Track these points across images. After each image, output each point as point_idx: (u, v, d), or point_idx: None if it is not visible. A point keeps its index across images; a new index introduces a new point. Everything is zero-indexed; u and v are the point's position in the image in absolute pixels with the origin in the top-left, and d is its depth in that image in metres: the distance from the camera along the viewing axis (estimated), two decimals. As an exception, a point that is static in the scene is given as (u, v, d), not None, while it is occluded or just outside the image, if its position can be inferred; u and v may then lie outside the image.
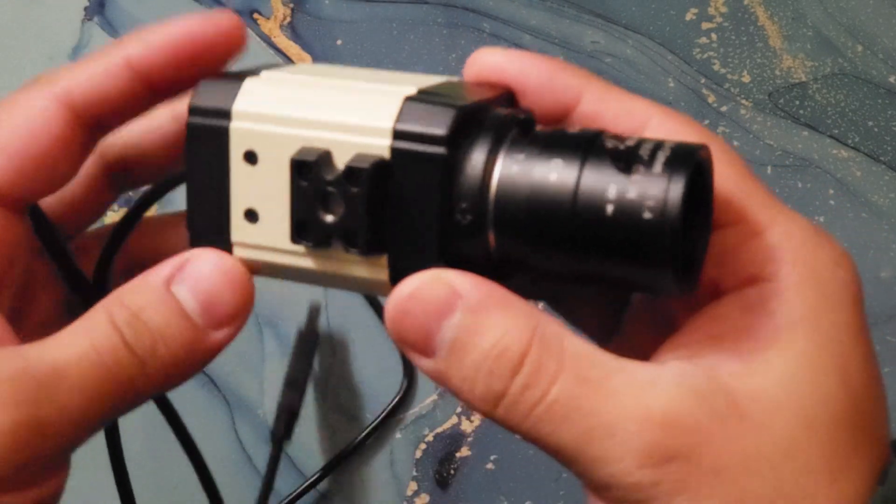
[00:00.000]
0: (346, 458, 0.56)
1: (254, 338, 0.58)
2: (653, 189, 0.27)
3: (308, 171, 0.29)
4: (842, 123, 0.56)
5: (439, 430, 0.56)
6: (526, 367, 0.28)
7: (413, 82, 0.31)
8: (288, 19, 0.60)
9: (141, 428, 0.57)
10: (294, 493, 0.56)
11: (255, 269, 0.31)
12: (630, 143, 0.29)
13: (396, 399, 0.56)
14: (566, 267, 0.29)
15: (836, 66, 0.57)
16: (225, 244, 0.31)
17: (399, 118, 0.29)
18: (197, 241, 0.31)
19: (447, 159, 0.29)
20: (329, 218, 0.29)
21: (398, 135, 0.29)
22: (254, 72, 0.31)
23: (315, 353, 0.57)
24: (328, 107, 0.30)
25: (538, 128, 0.31)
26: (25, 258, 0.33)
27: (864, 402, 0.29)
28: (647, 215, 0.27)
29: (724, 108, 0.57)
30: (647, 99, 0.32)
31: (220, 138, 0.30)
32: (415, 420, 0.56)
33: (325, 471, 0.56)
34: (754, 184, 0.31)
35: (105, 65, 0.32)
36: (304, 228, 0.30)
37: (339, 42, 0.60)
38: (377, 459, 0.56)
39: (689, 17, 0.58)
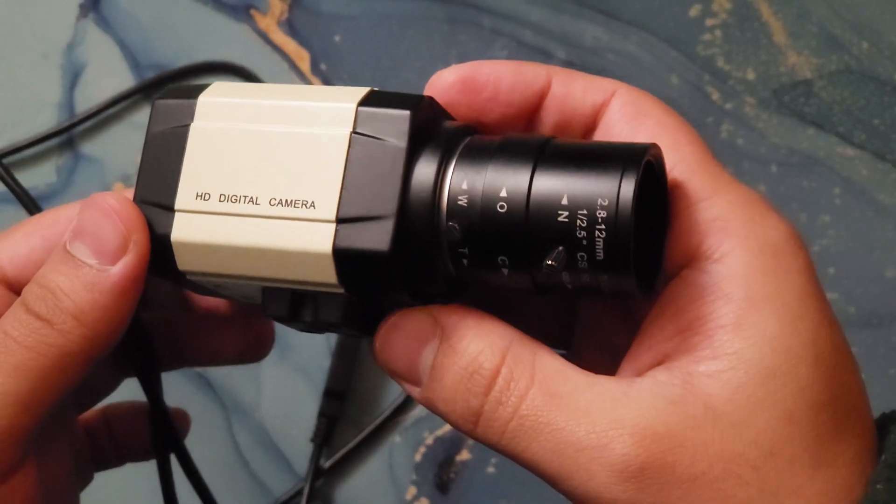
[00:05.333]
0: (344, 461, 0.56)
1: (251, 339, 0.57)
2: (606, 187, 0.28)
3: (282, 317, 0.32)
4: (847, 121, 0.56)
5: (439, 433, 0.56)
6: (498, 384, 0.29)
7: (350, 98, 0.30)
8: (285, 15, 0.60)
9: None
10: (293, 496, 0.56)
11: (191, 254, 0.31)
12: (580, 146, 0.29)
13: (402, 399, 0.56)
14: (523, 282, 0.29)
15: (841, 64, 0.56)
16: (168, 210, 0.31)
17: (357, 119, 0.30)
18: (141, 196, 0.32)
19: (411, 132, 0.29)
20: (308, 317, 0.31)
21: (360, 115, 0.29)
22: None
23: (356, 360, 0.57)
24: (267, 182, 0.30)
25: (485, 137, 0.31)
26: None
27: (840, 379, 0.29)
28: (600, 214, 0.28)
29: (728, 106, 0.57)
30: (609, 78, 0.32)
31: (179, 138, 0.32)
32: (414, 423, 0.56)
33: (324, 473, 0.56)
34: (704, 154, 0.31)
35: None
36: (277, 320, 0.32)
37: (337, 38, 0.59)
38: (376, 463, 0.56)
39: (692, 13, 0.58)
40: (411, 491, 0.55)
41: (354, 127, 0.29)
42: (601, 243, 0.27)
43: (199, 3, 0.61)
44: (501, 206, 0.28)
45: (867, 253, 0.55)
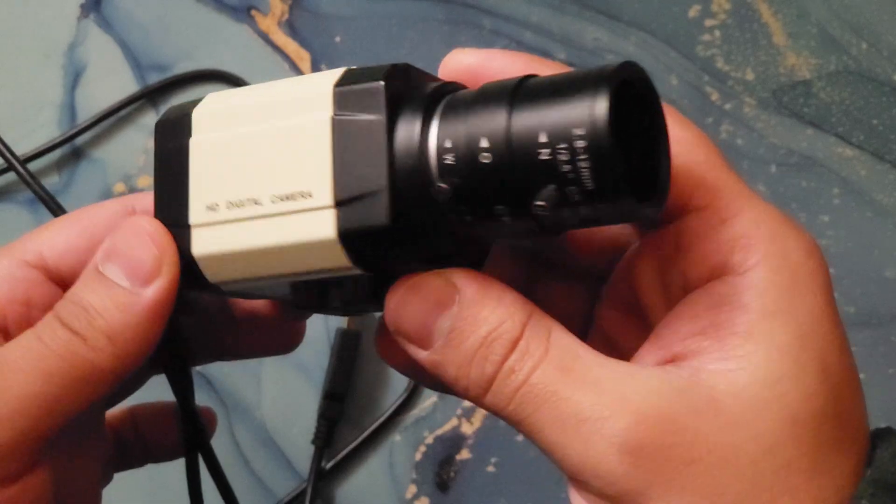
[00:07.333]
0: (345, 461, 0.56)
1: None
2: (579, 114, 0.27)
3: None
4: (846, 122, 0.56)
5: (439, 432, 0.56)
6: (516, 352, 0.29)
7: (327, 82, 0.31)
8: (286, 16, 0.60)
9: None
10: (294, 497, 0.56)
11: (214, 265, 0.32)
12: (553, 79, 0.28)
13: (402, 399, 0.56)
14: (528, 225, 0.29)
15: (840, 64, 0.56)
16: (185, 227, 0.32)
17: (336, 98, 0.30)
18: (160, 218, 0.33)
19: (389, 106, 0.29)
20: (336, 303, 0.32)
21: (338, 97, 0.29)
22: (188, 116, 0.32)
23: (355, 361, 0.57)
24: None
25: (465, 91, 0.30)
26: None
27: (845, 396, 0.29)
28: (578, 144, 0.27)
29: (727, 106, 0.57)
30: None
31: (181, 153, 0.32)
32: (414, 422, 0.56)
33: (325, 473, 0.56)
34: (725, 171, 0.31)
35: None
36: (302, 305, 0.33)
37: (337, 39, 0.59)
38: (376, 462, 0.56)
39: (692, 14, 0.58)
40: (411, 489, 0.55)
41: (334, 110, 0.29)
42: (587, 173, 0.27)
43: (200, 3, 0.61)
44: (485, 157, 0.28)
45: (866, 253, 0.55)
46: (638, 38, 0.58)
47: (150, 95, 0.60)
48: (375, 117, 0.29)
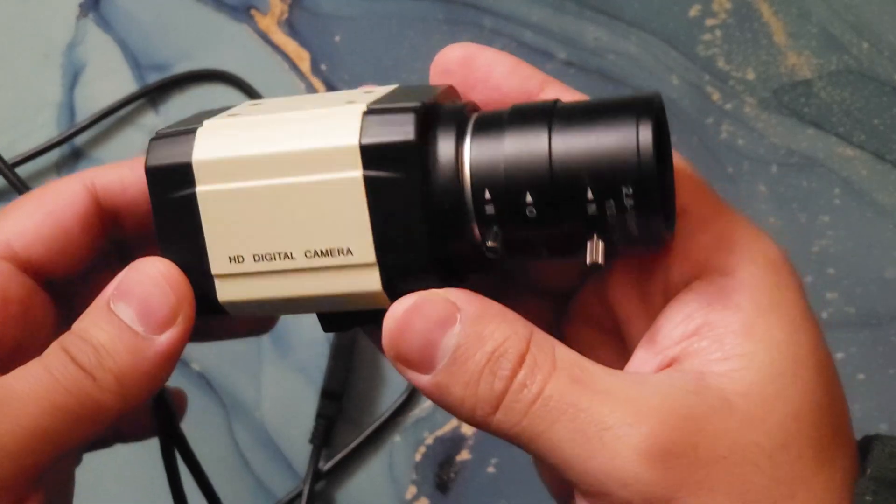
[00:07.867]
0: (345, 461, 0.56)
1: (251, 339, 0.57)
2: (625, 169, 0.28)
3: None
4: (847, 121, 0.56)
5: (439, 432, 0.56)
6: (524, 367, 0.29)
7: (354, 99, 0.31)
8: (286, 15, 0.60)
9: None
10: (292, 499, 0.56)
11: (241, 307, 0.32)
12: (586, 122, 0.29)
13: (402, 399, 0.56)
14: (559, 240, 0.30)
15: (841, 64, 0.56)
16: (205, 274, 0.32)
17: (363, 134, 0.30)
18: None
19: (420, 160, 0.29)
20: (365, 325, 0.33)
21: (366, 152, 0.29)
22: (194, 125, 0.32)
23: (352, 361, 0.57)
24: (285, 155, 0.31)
25: (490, 126, 0.31)
26: (39, 326, 0.35)
27: (835, 391, 0.30)
28: (629, 205, 0.28)
29: (728, 106, 0.57)
30: None
31: (188, 203, 0.31)
32: (414, 423, 0.56)
33: (324, 474, 0.56)
34: (695, 177, 0.32)
35: (126, 165, 0.36)
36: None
37: (337, 39, 0.59)
38: (376, 462, 0.56)
39: (692, 13, 0.57)
40: (411, 490, 0.55)
41: (363, 166, 0.29)
42: (634, 224, 0.28)
43: (200, 3, 0.61)
44: (530, 212, 0.29)
45: (866, 253, 0.55)
46: (638, 38, 0.58)
47: (150, 95, 0.60)
48: (410, 175, 0.29)
